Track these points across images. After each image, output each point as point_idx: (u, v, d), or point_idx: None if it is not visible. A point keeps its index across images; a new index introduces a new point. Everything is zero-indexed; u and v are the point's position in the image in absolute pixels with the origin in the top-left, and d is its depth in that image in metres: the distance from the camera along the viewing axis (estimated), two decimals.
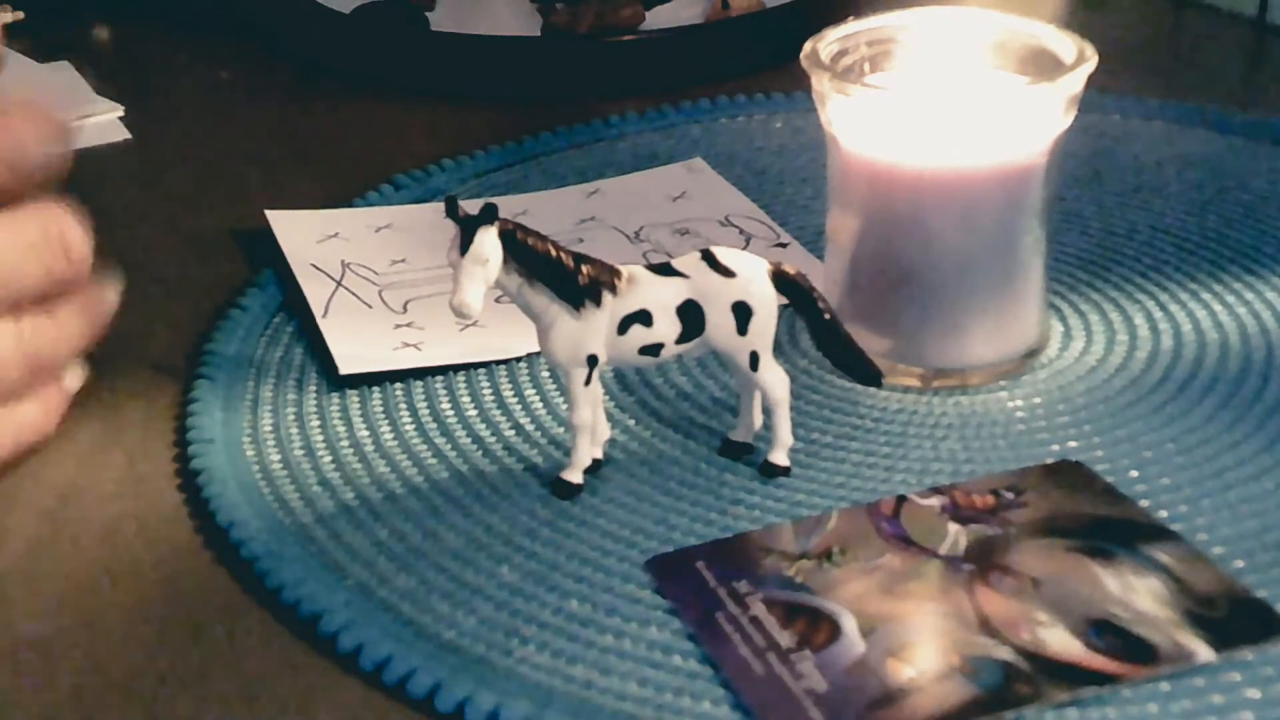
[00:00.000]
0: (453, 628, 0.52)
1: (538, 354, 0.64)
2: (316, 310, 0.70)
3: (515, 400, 0.64)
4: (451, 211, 0.53)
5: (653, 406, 0.63)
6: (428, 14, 1.01)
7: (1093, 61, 0.61)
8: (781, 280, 0.57)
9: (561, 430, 0.62)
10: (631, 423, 0.62)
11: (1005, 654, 0.49)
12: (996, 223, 0.62)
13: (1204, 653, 0.49)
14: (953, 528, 0.55)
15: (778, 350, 0.62)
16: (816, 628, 0.50)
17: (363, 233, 0.78)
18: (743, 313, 0.56)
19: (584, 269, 0.55)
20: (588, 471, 0.58)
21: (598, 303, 0.55)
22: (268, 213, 0.78)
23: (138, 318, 0.72)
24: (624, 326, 0.56)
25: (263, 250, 0.76)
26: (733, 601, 0.52)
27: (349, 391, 0.65)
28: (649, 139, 0.88)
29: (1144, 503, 0.56)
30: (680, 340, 0.56)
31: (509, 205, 0.77)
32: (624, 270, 0.56)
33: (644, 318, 0.56)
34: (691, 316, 0.56)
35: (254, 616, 0.53)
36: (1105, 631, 0.50)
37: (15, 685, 0.51)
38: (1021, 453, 0.59)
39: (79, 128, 0.89)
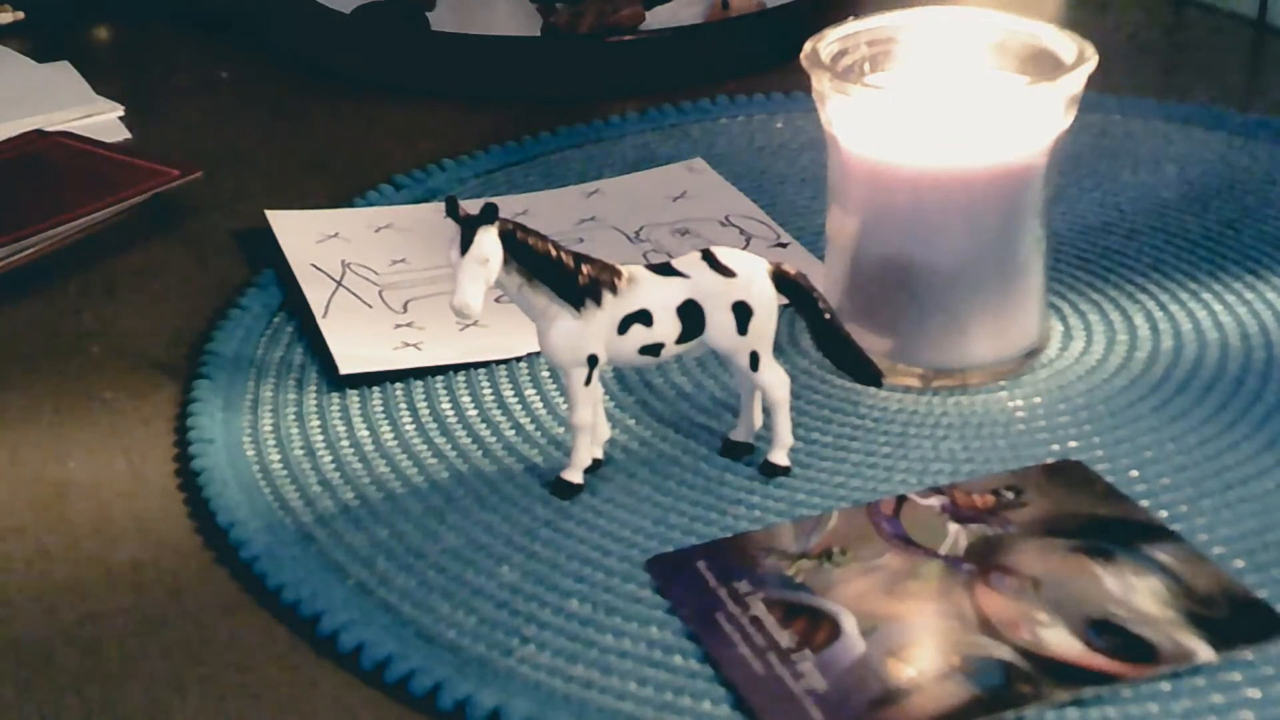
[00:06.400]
0: (453, 628, 0.52)
1: (538, 354, 0.64)
2: (316, 310, 0.70)
3: (515, 400, 0.64)
4: (452, 211, 0.53)
5: (653, 406, 0.63)
6: (428, 14, 1.01)
7: (1093, 61, 0.61)
8: (781, 280, 0.57)
9: (561, 430, 0.62)
10: (631, 423, 0.62)
11: (1005, 654, 0.49)
12: (996, 223, 0.62)
13: (1204, 653, 0.49)
14: (953, 528, 0.55)
15: (778, 350, 0.62)
16: (816, 628, 0.50)
17: (363, 233, 0.78)
18: (743, 313, 0.56)
19: (584, 269, 0.55)
20: (588, 471, 0.58)
21: (598, 303, 0.55)
22: (268, 213, 0.79)
23: (138, 318, 0.73)
24: (624, 326, 0.56)
25: (263, 250, 0.76)
26: (733, 601, 0.52)
27: (349, 391, 0.65)
28: (649, 139, 0.88)
29: (1144, 503, 0.56)
30: (680, 340, 0.56)
31: (509, 205, 0.77)
32: (624, 270, 0.56)
33: (644, 318, 0.56)
34: (691, 316, 0.56)
35: (254, 616, 0.53)
36: (1105, 631, 0.50)
37: (15, 685, 0.51)
38: (1021, 453, 0.59)
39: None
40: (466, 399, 0.64)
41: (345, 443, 0.61)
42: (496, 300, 0.59)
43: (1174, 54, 1.04)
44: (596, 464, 0.59)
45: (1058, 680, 0.48)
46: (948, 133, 0.60)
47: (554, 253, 0.54)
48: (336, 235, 0.77)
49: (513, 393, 0.64)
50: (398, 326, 0.69)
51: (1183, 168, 0.82)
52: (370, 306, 0.71)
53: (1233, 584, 0.52)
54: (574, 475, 0.58)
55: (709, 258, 0.56)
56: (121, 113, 0.93)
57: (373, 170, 0.85)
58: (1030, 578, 0.52)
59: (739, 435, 0.60)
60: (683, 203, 0.80)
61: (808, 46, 0.63)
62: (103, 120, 0.92)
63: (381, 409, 0.64)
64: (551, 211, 0.79)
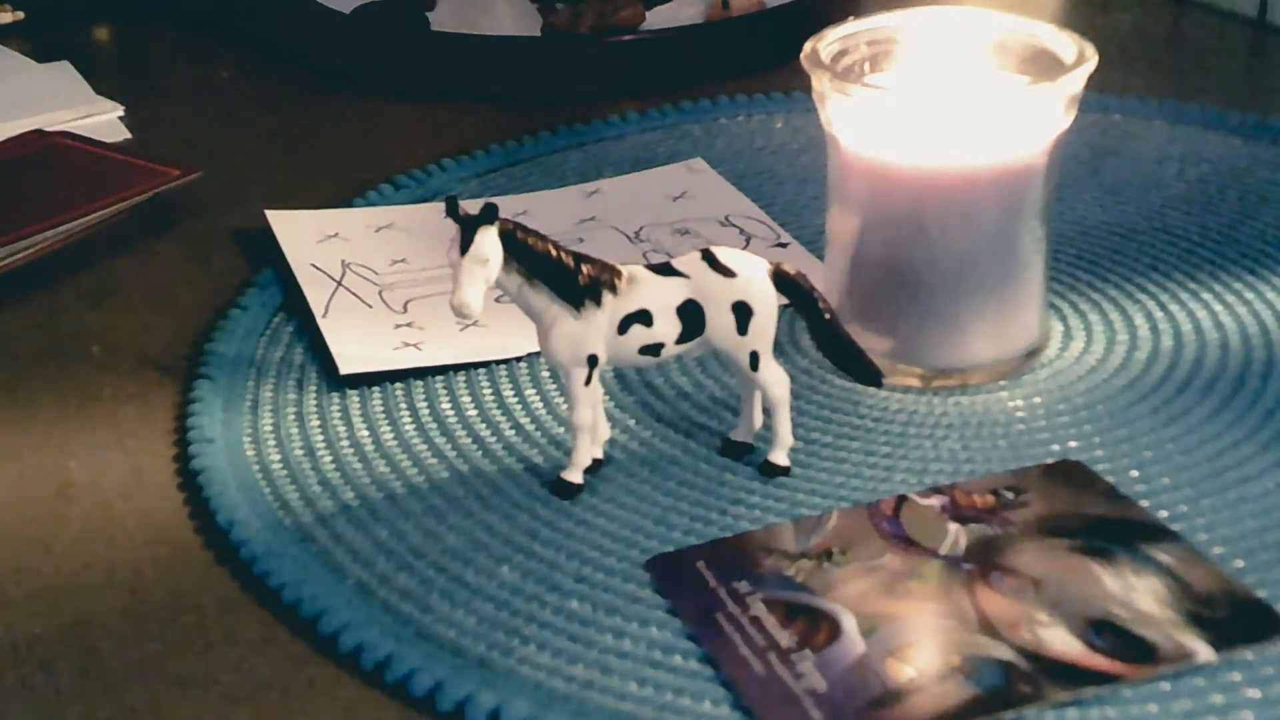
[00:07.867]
0: (453, 628, 0.52)
1: (538, 354, 0.64)
2: (316, 310, 0.70)
3: (515, 400, 0.64)
4: (452, 211, 0.53)
5: (653, 406, 0.63)
6: (428, 14, 1.01)
7: (1093, 61, 0.61)
8: (781, 280, 0.57)
9: (561, 430, 0.62)
10: (631, 423, 0.62)
11: (1005, 654, 0.49)
12: (996, 223, 0.62)
13: (1204, 653, 0.49)
14: (953, 528, 0.55)
15: (778, 350, 0.62)
16: (816, 628, 0.50)
17: (363, 233, 0.78)
18: (743, 313, 0.56)
19: (584, 269, 0.55)
20: (588, 471, 0.58)
21: (598, 303, 0.55)
22: (268, 213, 0.78)
23: (138, 318, 0.73)
24: (624, 326, 0.56)
25: (263, 250, 0.76)
26: (733, 601, 0.52)
27: (349, 391, 0.65)
28: (649, 139, 0.88)
29: (1144, 503, 0.56)
30: (680, 340, 0.56)
31: (509, 205, 0.77)
32: (624, 270, 0.56)
33: (644, 318, 0.56)
34: (692, 316, 0.56)
35: (254, 616, 0.53)
36: (1105, 631, 0.50)
37: (15, 685, 0.51)
38: (1021, 453, 0.59)
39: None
40: (466, 399, 0.64)
41: (345, 443, 0.61)
42: (496, 300, 0.59)
43: (1174, 54, 1.04)
44: (596, 464, 0.59)
45: (1058, 680, 0.48)
46: (948, 133, 0.60)
47: (554, 253, 0.54)
48: (336, 235, 0.77)
49: (513, 393, 0.64)
50: (398, 326, 0.69)
51: (1183, 168, 0.82)
52: (370, 306, 0.71)
53: (1233, 584, 0.52)
54: (574, 475, 0.58)
55: (709, 258, 0.56)
56: (121, 113, 0.93)
57: (373, 170, 0.85)
58: (1030, 578, 0.52)
59: (739, 435, 0.60)
60: (683, 203, 0.80)
61: (808, 46, 0.63)
62: (103, 120, 0.92)
63: (381, 409, 0.64)
64: (551, 211, 0.79)
